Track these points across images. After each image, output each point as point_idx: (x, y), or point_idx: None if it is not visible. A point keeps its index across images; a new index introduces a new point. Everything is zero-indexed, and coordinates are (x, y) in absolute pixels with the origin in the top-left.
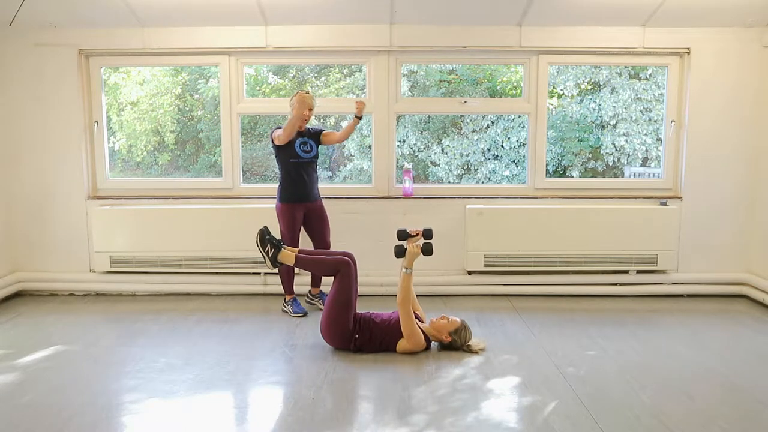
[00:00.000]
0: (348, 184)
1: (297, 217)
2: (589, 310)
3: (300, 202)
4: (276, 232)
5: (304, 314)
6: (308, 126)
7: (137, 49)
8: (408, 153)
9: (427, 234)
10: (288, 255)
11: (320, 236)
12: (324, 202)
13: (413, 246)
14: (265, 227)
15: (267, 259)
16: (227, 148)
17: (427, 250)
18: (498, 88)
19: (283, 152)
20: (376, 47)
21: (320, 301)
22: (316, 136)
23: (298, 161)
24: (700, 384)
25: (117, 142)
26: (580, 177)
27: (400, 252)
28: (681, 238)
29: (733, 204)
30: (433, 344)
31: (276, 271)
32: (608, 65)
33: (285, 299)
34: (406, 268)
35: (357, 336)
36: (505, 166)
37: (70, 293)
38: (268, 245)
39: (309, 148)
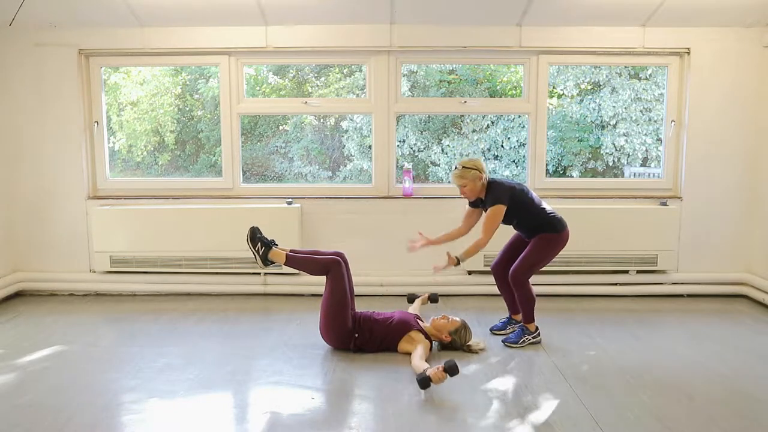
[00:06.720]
0: (348, 184)
1: (511, 237)
2: (589, 310)
3: None
4: (270, 233)
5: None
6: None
7: (137, 49)
8: (408, 153)
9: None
10: (279, 254)
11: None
12: (324, 202)
13: (437, 372)
14: (256, 226)
15: (258, 257)
16: (227, 148)
17: (452, 369)
18: (498, 88)
19: None
20: (376, 47)
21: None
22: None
23: None
24: (700, 384)
25: (117, 142)
26: (580, 177)
27: (425, 384)
28: (681, 238)
29: (733, 204)
30: (434, 344)
31: (271, 270)
32: (608, 65)
33: (527, 328)
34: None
35: (357, 335)
36: (505, 166)
37: (70, 293)
38: (259, 243)
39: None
